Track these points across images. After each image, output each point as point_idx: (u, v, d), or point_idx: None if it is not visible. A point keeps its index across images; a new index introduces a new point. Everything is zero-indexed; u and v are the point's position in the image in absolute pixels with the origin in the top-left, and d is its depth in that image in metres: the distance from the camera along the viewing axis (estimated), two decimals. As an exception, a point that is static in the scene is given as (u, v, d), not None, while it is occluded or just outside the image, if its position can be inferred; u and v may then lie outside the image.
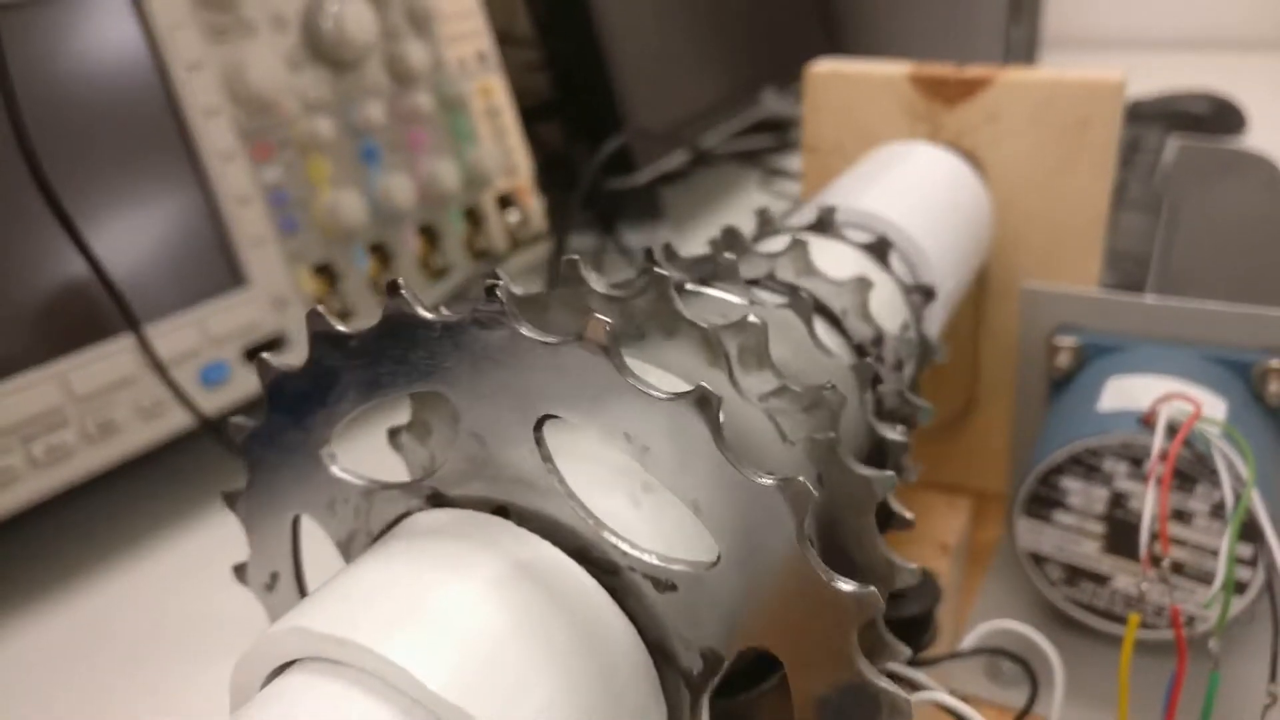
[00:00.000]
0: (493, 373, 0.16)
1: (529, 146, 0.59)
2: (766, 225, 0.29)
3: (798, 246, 0.26)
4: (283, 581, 0.20)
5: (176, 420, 0.40)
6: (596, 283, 0.20)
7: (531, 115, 0.62)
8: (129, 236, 0.41)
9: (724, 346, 0.19)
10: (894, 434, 0.24)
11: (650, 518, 0.18)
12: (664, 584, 0.16)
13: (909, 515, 0.22)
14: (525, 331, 0.15)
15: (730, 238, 0.27)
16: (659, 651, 0.17)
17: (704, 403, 0.15)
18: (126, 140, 0.41)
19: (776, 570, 0.15)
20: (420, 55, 0.51)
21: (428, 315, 0.16)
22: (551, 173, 0.64)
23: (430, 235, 0.52)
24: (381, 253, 0.50)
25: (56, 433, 0.37)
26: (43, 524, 0.41)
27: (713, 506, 0.15)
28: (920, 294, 0.30)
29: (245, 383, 0.43)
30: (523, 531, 0.17)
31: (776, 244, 0.27)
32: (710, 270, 0.23)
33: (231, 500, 0.20)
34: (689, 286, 0.23)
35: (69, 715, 0.33)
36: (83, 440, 0.38)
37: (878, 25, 0.98)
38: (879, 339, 0.26)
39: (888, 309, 0.28)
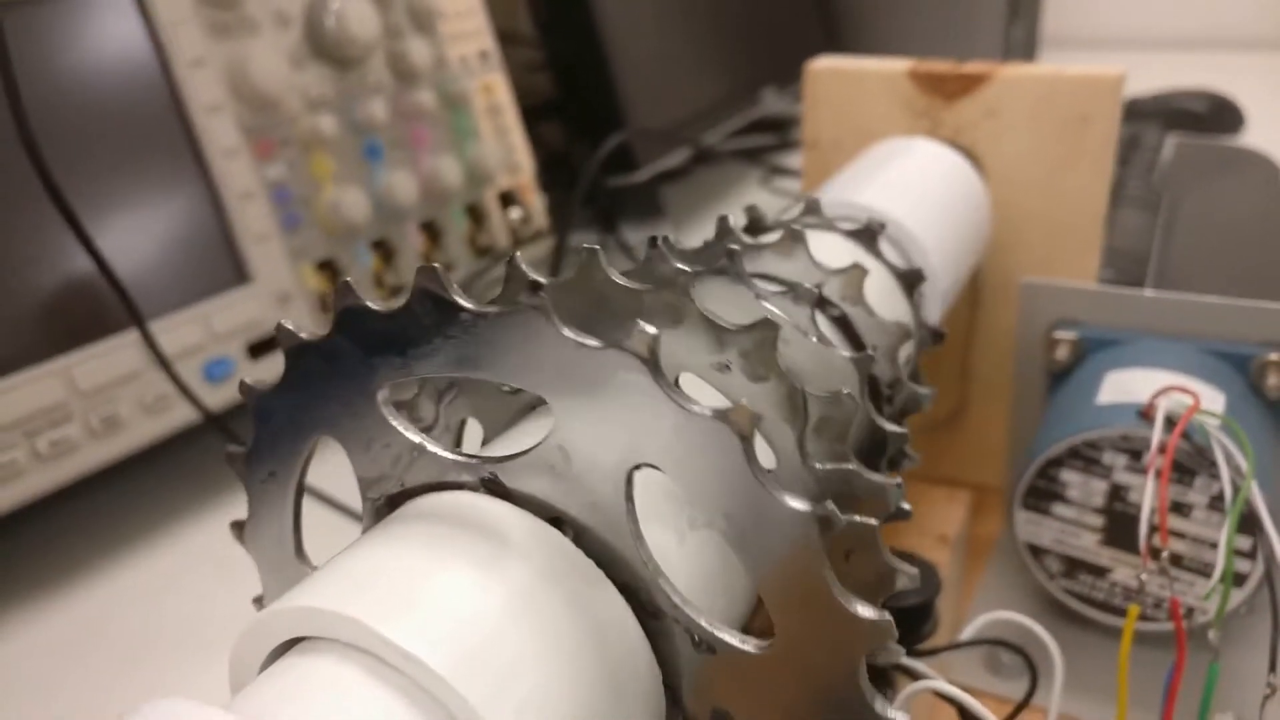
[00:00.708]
0: (612, 407, 0.16)
1: (530, 145, 0.59)
2: (756, 221, 0.29)
3: (792, 236, 0.26)
4: (279, 478, 0.19)
5: (180, 415, 0.41)
6: (617, 276, 0.19)
7: (532, 114, 0.63)
8: (133, 233, 0.41)
9: (733, 346, 0.19)
10: (893, 426, 0.24)
11: (693, 555, 0.18)
12: (703, 645, 0.16)
13: (906, 506, 0.22)
14: (666, 391, 0.15)
15: (723, 228, 0.27)
16: (669, 690, 0.17)
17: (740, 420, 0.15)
18: (130, 137, 0.41)
19: (778, 559, 0.15)
20: (423, 53, 0.51)
21: (567, 333, 0.15)
22: (552, 171, 0.64)
23: (433, 232, 0.52)
24: (384, 249, 0.50)
25: (61, 428, 0.37)
26: (47, 519, 0.42)
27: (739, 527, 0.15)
28: (913, 278, 0.30)
29: (249, 378, 0.43)
30: (579, 554, 0.17)
31: (770, 235, 0.27)
32: (712, 259, 0.23)
33: (247, 390, 0.19)
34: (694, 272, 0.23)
35: (71, 710, 0.33)
36: (87, 435, 0.38)
37: (877, 25, 0.98)
38: (874, 325, 0.26)
39: (882, 296, 0.28)
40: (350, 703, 0.14)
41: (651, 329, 0.15)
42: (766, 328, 0.19)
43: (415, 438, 0.18)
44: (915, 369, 0.28)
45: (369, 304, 0.17)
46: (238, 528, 0.20)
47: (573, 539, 0.17)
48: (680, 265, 0.20)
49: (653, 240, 0.21)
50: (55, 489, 0.37)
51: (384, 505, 0.18)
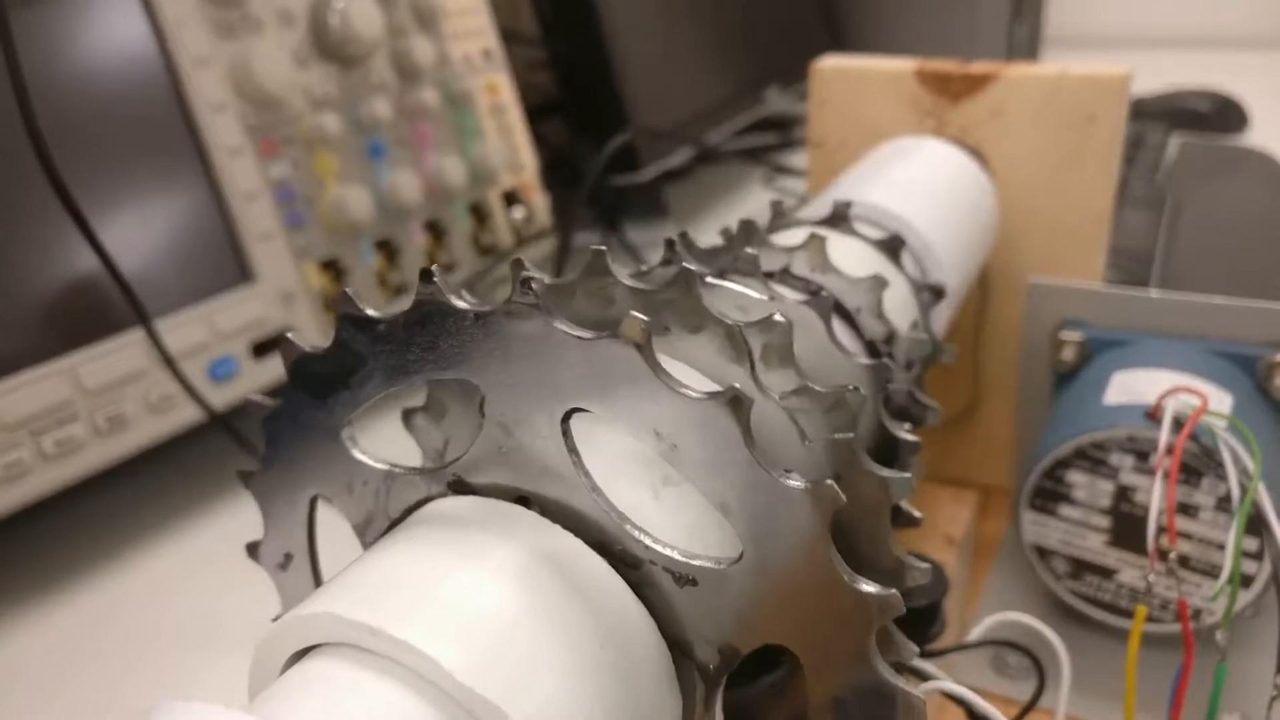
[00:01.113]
0: (523, 364, 0.16)
1: (533, 144, 0.59)
2: (779, 218, 0.29)
3: (815, 242, 0.26)
4: (296, 562, 0.20)
5: (185, 415, 0.41)
6: (622, 275, 0.20)
7: (536, 113, 0.63)
8: (137, 232, 0.41)
9: (748, 344, 0.19)
10: (907, 434, 0.24)
11: (670, 510, 0.18)
12: (684, 579, 0.17)
13: (917, 514, 0.22)
14: (560, 325, 0.15)
15: (746, 230, 0.27)
16: (676, 644, 0.17)
17: (736, 404, 0.15)
18: (134, 136, 0.41)
19: (799, 570, 0.15)
20: (426, 52, 0.51)
21: (461, 304, 0.16)
22: (556, 170, 0.64)
23: (436, 231, 0.52)
24: (388, 248, 0.50)
25: (66, 427, 0.37)
26: (52, 517, 0.42)
27: (739, 506, 0.16)
28: (930, 292, 0.30)
29: (253, 377, 0.43)
30: (545, 521, 0.17)
31: (792, 238, 0.27)
32: (729, 262, 0.23)
33: (247, 478, 0.20)
34: (709, 279, 0.23)
35: (76, 707, 0.33)
36: (92, 434, 0.38)
37: (880, 24, 0.98)
38: (891, 337, 0.26)
39: (899, 307, 0.28)
40: (366, 703, 0.14)
41: (642, 316, 0.15)
42: (779, 326, 0.19)
43: (381, 465, 0.18)
44: (921, 381, 0.28)
45: (306, 349, 0.18)
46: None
47: (539, 512, 0.17)
48: (691, 265, 0.20)
49: (670, 243, 0.21)
50: (61, 488, 0.37)
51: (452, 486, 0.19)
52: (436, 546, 0.16)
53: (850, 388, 0.20)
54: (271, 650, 0.15)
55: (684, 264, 0.20)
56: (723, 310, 0.20)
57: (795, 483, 0.15)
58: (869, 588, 0.15)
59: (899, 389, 0.26)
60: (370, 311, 0.17)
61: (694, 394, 0.15)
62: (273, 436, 0.19)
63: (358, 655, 0.14)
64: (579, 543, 0.17)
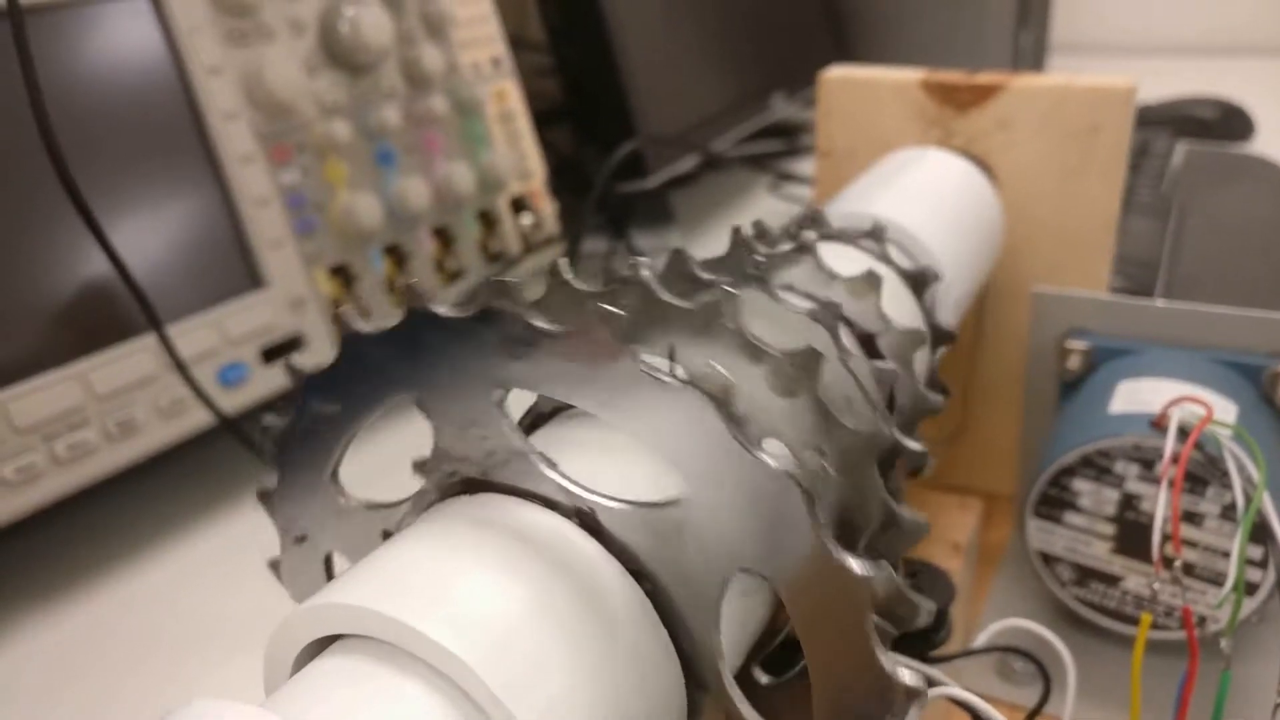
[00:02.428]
0: (729, 493, 0.16)
1: (541, 151, 0.60)
2: (765, 231, 0.30)
3: (803, 248, 0.26)
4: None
5: (195, 419, 0.41)
6: (665, 294, 0.20)
7: (543, 120, 0.63)
8: (149, 238, 0.41)
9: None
10: (914, 444, 0.24)
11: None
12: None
13: (923, 519, 0.22)
14: (650, 372, 0.16)
15: (738, 240, 0.27)
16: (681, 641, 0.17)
17: (718, 397, 0.15)
18: (147, 143, 0.42)
19: (797, 555, 0.16)
20: (435, 60, 0.52)
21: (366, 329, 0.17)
22: (563, 177, 0.64)
23: (445, 237, 0.53)
24: (397, 254, 0.50)
25: (78, 431, 0.37)
26: (64, 521, 0.42)
27: (734, 493, 0.16)
28: (922, 278, 0.30)
29: (263, 383, 0.43)
30: (547, 512, 0.17)
31: (782, 246, 0.27)
32: (732, 269, 0.24)
33: (266, 498, 0.20)
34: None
35: (85, 708, 0.34)
36: (103, 439, 0.38)
37: (886, 32, 0.98)
38: (889, 333, 0.27)
39: (893, 302, 0.29)
40: (384, 702, 0.14)
41: (723, 370, 0.16)
42: (810, 356, 0.19)
43: (522, 446, 0.18)
44: (934, 373, 0.28)
45: (310, 370, 0.18)
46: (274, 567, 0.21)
47: (648, 593, 0.17)
48: (719, 281, 0.20)
49: (677, 252, 0.21)
50: (73, 492, 0.37)
51: (458, 485, 0.18)
52: (446, 541, 0.16)
53: (885, 431, 0.20)
54: (285, 641, 0.16)
55: (726, 288, 0.20)
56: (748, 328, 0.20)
57: (775, 463, 0.15)
58: (858, 566, 0.15)
59: (903, 387, 0.26)
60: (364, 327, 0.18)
61: (673, 381, 0.15)
62: (285, 455, 0.19)
63: (372, 649, 0.15)
64: (581, 533, 0.17)
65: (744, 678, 0.18)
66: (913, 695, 0.16)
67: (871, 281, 0.26)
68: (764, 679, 0.16)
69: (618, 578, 0.17)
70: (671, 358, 0.19)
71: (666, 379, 0.15)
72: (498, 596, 0.15)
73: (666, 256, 0.24)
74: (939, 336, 0.30)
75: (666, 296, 0.19)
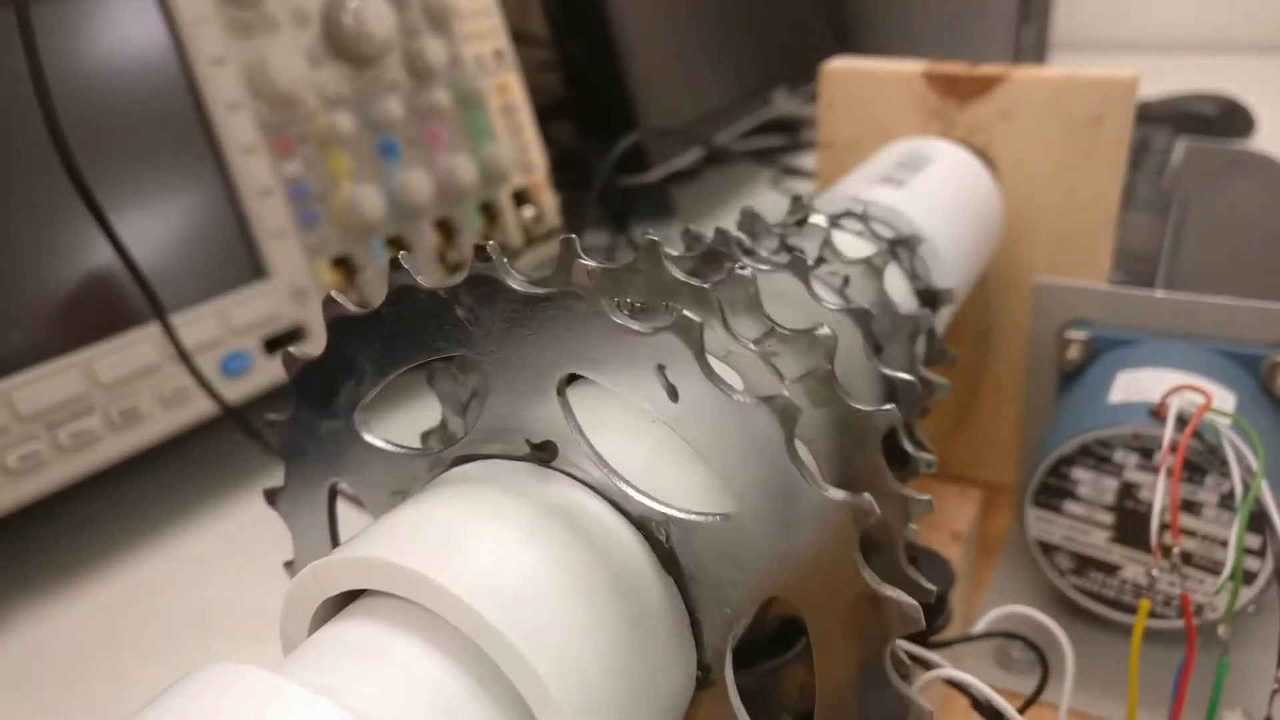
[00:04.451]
0: (515, 337, 0.16)
1: (543, 144, 0.60)
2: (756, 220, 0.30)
3: (826, 243, 0.26)
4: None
5: (198, 408, 0.41)
6: (678, 271, 0.20)
7: (544, 113, 0.63)
8: (152, 228, 0.41)
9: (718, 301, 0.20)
10: (920, 452, 0.24)
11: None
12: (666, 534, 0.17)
13: (926, 498, 0.23)
14: (620, 320, 0.16)
15: (748, 225, 0.27)
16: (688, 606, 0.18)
17: (788, 413, 0.15)
18: (150, 133, 0.42)
19: (783, 499, 0.16)
20: (438, 52, 0.52)
21: (435, 287, 0.17)
22: (565, 170, 0.64)
23: (447, 229, 0.53)
24: (399, 246, 0.50)
25: (82, 420, 0.37)
26: (67, 509, 0.42)
27: (727, 458, 0.16)
28: (933, 297, 0.31)
29: (265, 373, 0.44)
30: (556, 475, 0.17)
31: (804, 236, 0.27)
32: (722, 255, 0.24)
33: (272, 497, 0.20)
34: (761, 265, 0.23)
35: (86, 698, 0.34)
36: (107, 427, 0.38)
37: (888, 27, 0.98)
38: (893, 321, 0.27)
39: (896, 298, 0.29)
40: (398, 669, 0.14)
41: (695, 316, 0.16)
42: (825, 340, 0.19)
43: (393, 448, 0.18)
44: (935, 342, 0.29)
45: (305, 360, 0.19)
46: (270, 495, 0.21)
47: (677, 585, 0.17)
48: (751, 263, 0.20)
49: (687, 232, 0.21)
50: (76, 480, 0.38)
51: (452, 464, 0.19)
52: (460, 502, 0.16)
53: (887, 407, 0.20)
54: (299, 600, 0.16)
55: (738, 269, 0.20)
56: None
57: (747, 399, 0.15)
58: (837, 494, 0.15)
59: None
60: (352, 308, 0.18)
61: (743, 399, 0.15)
62: (289, 451, 0.19)
63: (388, 609, 0.15)
64: (595, 499, 0.17)
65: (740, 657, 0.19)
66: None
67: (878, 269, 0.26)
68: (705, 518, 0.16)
69: (652, 569, 0.17)
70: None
71: (740, 397, 0.16)
72: (502, 550, 0.15)
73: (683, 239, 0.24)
74: (935, 298, 0.30)
75: (682, 276, 0.19)
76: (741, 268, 0.21)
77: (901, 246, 0.30)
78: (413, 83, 0.52)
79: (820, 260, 0.27)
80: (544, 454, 0.17)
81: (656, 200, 0.72)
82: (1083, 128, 0.38)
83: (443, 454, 0.18)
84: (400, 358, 0.18)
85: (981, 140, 0.39)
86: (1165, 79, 0.91)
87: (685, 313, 0.16)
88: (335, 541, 0.20)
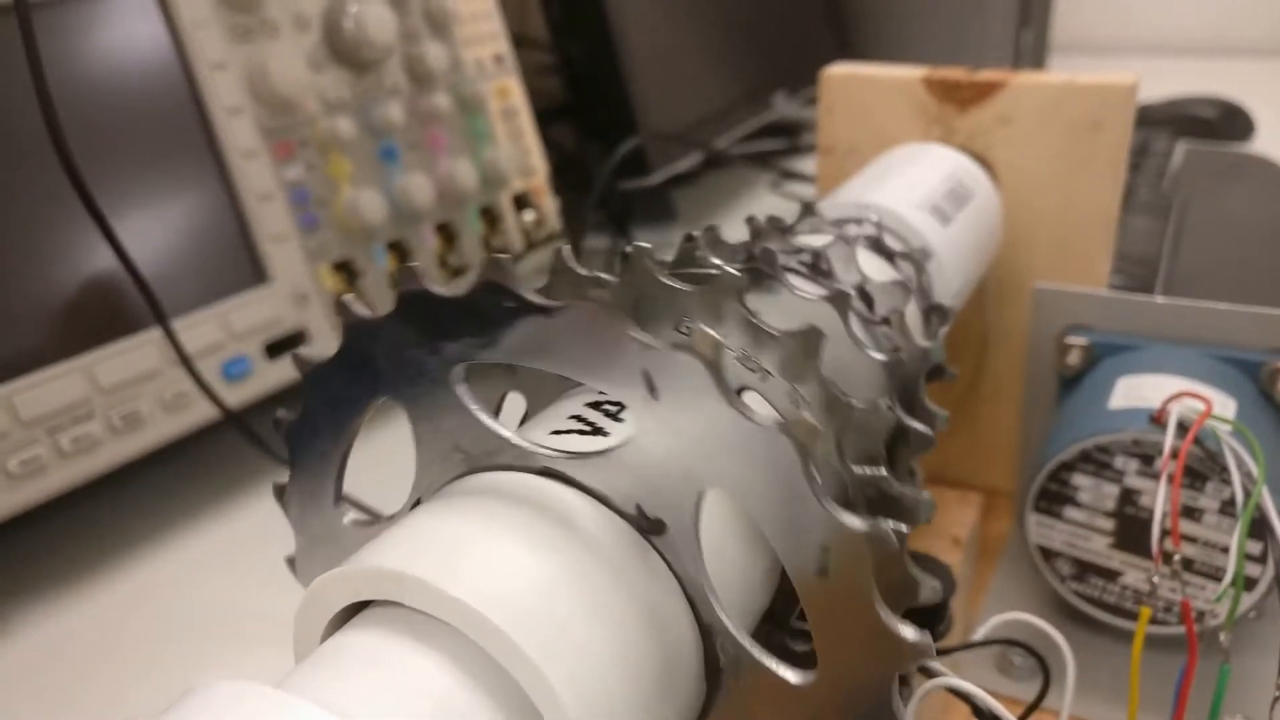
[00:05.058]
0: (670, 409, 0.16)
1: (543, 148, 0.60)
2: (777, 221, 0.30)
3: (841, 245, 0.26)
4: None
5: (199, 413, 0.41)
6: (663, 275, 0.20)
7: (545, 117, 0.63)
8: (153, 233, 0.41)
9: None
10: (920, 425, 0.24)
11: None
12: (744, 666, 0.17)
13: (927, 497, 0.23)
14: (635, 335, 0.16)
15: (759, 227, 0.27)
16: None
17: (812, 437, 0.15)
18: (151, 138, 0.42)
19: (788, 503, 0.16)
20: (439, 56, 0.52)
21: (634, 333, 0.16)
22: (565, 174, 0.64)
23: (448, 234, 0.53)
24: (400, 250, 0.50)
25: (82, 424, 0.38)
26: (68, 514, 0.42)
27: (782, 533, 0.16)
28: (937, 314, 0.31)
29: (267, 377, 0.44)
30: (563, 487, 0.17)
31: (817, 240, 0.27)
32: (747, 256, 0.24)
33: (280, 493, 0.20)
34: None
35: (90, 701, 0.34)
36: (108, 432, 0.38)
37: (888, 31, 0.98)
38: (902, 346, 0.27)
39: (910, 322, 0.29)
40: (408, 681, 0.14)
41: (713, 332, 0.16)
42: (812, 335, 0.19)
43: (501, 431, 0.18)
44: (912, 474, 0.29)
45: (317, 360, 0.18)
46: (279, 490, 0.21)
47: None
48: (725, 265, 0.20)
49: (688, 236, 0.22)
50: (77, 484, 0.38)
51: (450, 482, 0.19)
52: (467, 513, 0.16)
53: (885, 404, 0.20)
54: (312, 612, 0.16)
55: (722, 264, 0.20)
56: (753, 312, 0.20)
57: (767, 422, 0.15)
58: (856, 522, 0.15)
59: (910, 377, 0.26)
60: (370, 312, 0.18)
61: (761, 421, 0.15)
62: (295, 448, 0.19)
63: (399, 619, 0.15)
64: (601, 508, 0.17)
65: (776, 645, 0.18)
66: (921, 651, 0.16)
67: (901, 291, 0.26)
68: (799, 647, 0.16)
69: (665, 581, 0.17)
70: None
71: (756, 419, 0.15)
72: (515, 560, 0.15)
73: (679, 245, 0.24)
74: (939, 314, 0.30)
75: (671, 281, 0.19)
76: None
77: (909, 262, 0.30)
78: (413, 87, 0.52)
79: (859, 292, 0.26)
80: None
81: (657, 204, 0.72)
82: (1082, 133, 0.38)
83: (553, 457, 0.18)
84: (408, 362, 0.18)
85: (980, 145, 0.39)
86: (1165, 82, 0.91)
87: (808, 419, 0.15)
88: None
